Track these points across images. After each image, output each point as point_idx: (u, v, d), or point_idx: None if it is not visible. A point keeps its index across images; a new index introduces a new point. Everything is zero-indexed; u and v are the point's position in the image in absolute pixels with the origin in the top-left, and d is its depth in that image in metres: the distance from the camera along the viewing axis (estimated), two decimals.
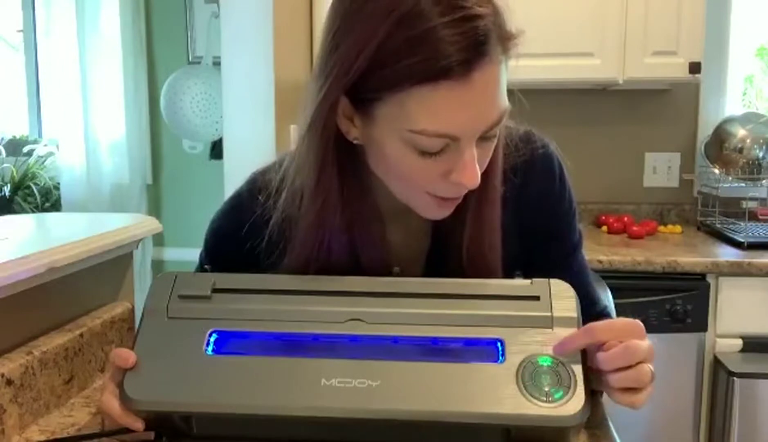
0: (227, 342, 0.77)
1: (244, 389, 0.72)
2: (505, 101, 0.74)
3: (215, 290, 0.81)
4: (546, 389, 0.70)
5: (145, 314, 0.80)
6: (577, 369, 0.71)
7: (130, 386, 0.73)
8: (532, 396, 0.69)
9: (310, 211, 0.82)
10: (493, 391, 0.70)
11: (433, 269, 0.88)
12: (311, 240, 0.83)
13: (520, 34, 0.74)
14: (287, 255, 0.85)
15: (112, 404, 0.73)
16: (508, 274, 0.87)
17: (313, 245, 0.83)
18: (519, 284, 0.80)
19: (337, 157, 0.79)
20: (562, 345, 0.73)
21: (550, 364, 0.72)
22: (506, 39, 0.72)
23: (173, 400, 0.72)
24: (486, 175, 0.79)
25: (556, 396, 0.69)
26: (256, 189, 0.90)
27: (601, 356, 0.72)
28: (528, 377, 0.71)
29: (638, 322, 0.75)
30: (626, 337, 0.73)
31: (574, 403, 0.69)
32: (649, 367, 0.72)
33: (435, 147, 0.72)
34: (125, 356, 0.75)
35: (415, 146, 0.72)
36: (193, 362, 0.74)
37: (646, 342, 0.73)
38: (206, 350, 0.76)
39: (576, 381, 0.70)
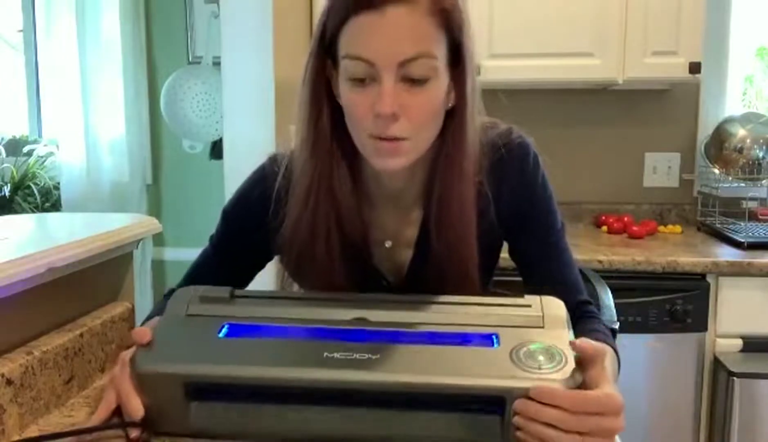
0: (239, 332, 0.82)
1: (250, 360, 0.76)
2: (426, 47, 0.82)
3: (233, 296, 0.88)
4: (538, 362, 0.75)
5: (164, 316, 0.86)
6: (568, 351, 0.76)
7: (141, 357, 0.77)
8: (525, 367, 0.74)
9: (307, 162, 0.92)
10: (487, 365, 0.75)
11: (421, 246, 0.98)
12: (304, 195, 0.92)
13: (455, 7, 0.84)
14: (286, 218, 0.94)
15: (123, 379, 0.77)
16: (489, 258, 1.00)
17: (304, 203, 0.92)
18: (512, 299, 0.87)
19: (331, 112, 0.90)
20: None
21: (541, 347, 0.77)
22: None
23: (181, 368, 0.76)
24: (453, 154, 0.89)
25: (548, 367, 0.74)
26: (276, 163, 1.01)
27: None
28: (521, 354, 0.76)
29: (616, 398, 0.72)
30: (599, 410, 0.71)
31: (565, 371, 0.73)
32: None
33: (359, 72, 0.83)
34: (142, 332, 0.79)
35: (347, 76, 0.84)
36: (204, 342, 0.80)
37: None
38: (218, 334, 0.81)
39: (566, 358, 0.75)
